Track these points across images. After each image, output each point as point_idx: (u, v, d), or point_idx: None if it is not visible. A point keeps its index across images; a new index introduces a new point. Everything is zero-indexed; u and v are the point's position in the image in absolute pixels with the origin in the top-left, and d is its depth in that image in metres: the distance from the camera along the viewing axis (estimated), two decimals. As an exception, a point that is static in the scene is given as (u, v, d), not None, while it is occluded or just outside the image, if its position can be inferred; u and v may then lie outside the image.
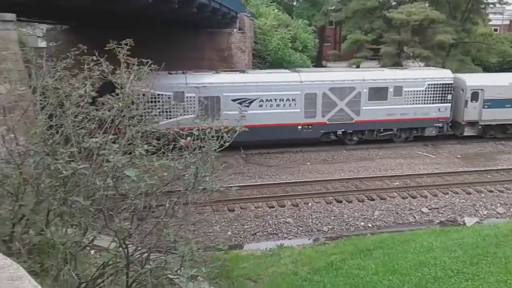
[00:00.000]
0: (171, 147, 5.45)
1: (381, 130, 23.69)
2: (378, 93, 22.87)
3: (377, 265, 10.58)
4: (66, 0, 12.54)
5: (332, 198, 16.96)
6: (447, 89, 23.59)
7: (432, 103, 23.53)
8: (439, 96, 23.56)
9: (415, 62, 44.19)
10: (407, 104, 23.36)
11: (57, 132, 4.84)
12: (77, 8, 14.81)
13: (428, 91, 23.41)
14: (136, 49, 5.89)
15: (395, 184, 18.25)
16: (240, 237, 14.37)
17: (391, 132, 23.81)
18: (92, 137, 4.44)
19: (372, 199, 16.92)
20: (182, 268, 4.34)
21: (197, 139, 5.01)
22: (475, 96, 23.67)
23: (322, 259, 11.75)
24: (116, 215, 4.39)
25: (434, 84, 23.45)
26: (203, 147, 4.91)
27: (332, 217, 15.71)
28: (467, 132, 24.45)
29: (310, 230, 15.00)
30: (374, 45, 44.45)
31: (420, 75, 23.95)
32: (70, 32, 26.34)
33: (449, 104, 23.78)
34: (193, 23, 23.37)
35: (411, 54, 42.84)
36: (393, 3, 45.69)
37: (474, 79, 24.63)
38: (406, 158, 22.10)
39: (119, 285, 5.05)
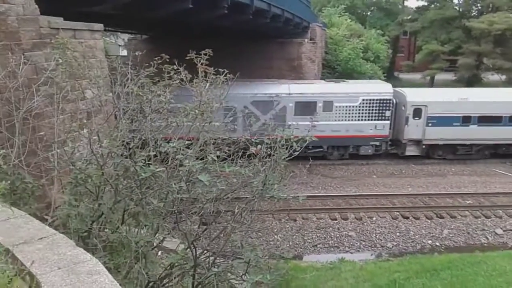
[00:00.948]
0: (240, 154, 5.62)
1: (310, 147, 21.70)
2: (305, 107, 21.15)
3: (444, 287, 10.15)
4: (150, 12, 13.29)
5: (398, 213, 16.45)
6: (385, 105, 21.55)
7: (368, 119, 21.62)
8: (375, 113, 21.59)
9: (495, 74, 41.85)
10: (339, 120, 21.55)
11: (137, 136, 5.17)
12: (159, 19, 15.66)
13: (363, 107, 21.53)
14: (210, 58, 6.15)
15: (468, 202, 17.35)
16: (300, 248, 14.36)
17: (321, 149, 22.13)
18: (168, 142, 4.70)
19: (442, 217, 16.21)
20: (247, 273, 4.46)
21: (267, 148, 5.14)
22: (417, 112, 21.64)
23: (385, 276, 11.45)
24: (187, 217, 4.61)
25: (370, 100, 21.49)
26: (273, 155, 5.03)
27: (398, 233, 15.25)
28: (410, 151, 22.40)
29: (373, 245, 14.67)
30: (451, 56, 42.67)
31: (353, 90, 21.89)
32: (149, 41, 27.79)
33: (387, 121, 21.76)
34: (265, 33, 23.75)
35: (491, 66, 40.68)
36: (474, 13, 43.73)
37: (416, 94, 22.44)
38: (481, 175, 20.93)
39: (184, 286, 5.26)
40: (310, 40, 27.07)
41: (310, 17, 27.63)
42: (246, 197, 5.29)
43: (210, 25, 18.15)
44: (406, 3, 49.68)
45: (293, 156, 5.06)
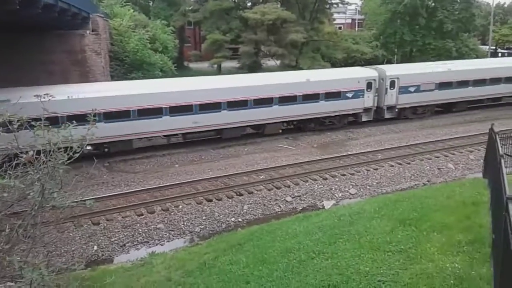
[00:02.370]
0: (14, 164, 4.90)
1: None
2: None
3: (247, 258, 10.93)
4: None
5: (202, 198, 17.07)
6: None
7: None
8: None
9: (271, 60, 46.71)
10: None
11: None
12: None
13: None
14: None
15: (261, 177, 19.07)
16: (108, 251, 13.69)
17: None
18: None
19: (241, 194, 17.45)
20: (32, 296, 3.94)
21: (42, 153, 4.59)
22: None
23: (195, 260, 11.74)
24: None
25: None
26: (49, 161, 4.51)
27: (204, 217, 15.84)
28: None
29: (182, 233, 14.94)
30: (233, 45, 45.75)
31: None
32: None
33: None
34: (40, 24, 21.49)
35: (267, 53, 45.16)
36: (248, 4, 47.60)
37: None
38: (270, 152, 23.21)
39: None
40: (93, 31, 25.62)
41: (90, 7, 26.05)
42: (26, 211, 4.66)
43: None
44: (187, -6, 50.92)
45: (73, 159, 4.64)
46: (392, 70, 29.22)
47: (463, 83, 30.17)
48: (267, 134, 25.27)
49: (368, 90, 27.00)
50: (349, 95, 26.39)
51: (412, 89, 28.45)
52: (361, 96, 26.76)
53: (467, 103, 31.44)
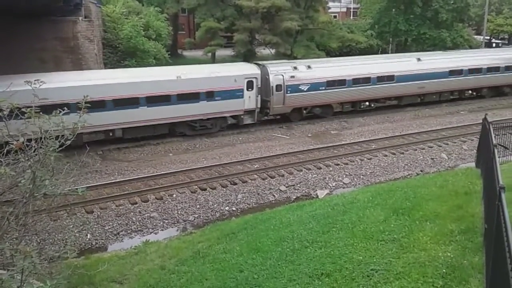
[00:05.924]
0: (5, 151, 4.83)
1: None
2: None
3: (241, 246, 10.94)
4: None
5: (196, 186, 17.06)
6: None
7: None
8: None
9: (266, 48, 46.38)
10: None
11: None
12: None
13: None
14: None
15: (255, 166, 19.07)
16: (102, 239, 13.73)
17: None
18: None
19: (235, 183, 17.45)
20: (24, 284, 3.91)
21: (33, 140, 4.52)
22: None
23: (189, 248, 11.77)
24: None
25: None
26: (41, 147, 4.44)
27: (198, 206, 15.85)
28: None
29: (176, 222, 14.97)
30: (228, 33, 45.30)
31: None
32: None
33: None
34: (31, 11, 21.17)
35: (262, 41, 44.80)
36: (242, -9, 47.02)
37: None
38: (264, 141, 23.18)
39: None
40: (85, 18, 25.27)
41: (82, -7, 25.68)
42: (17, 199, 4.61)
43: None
44: (180, -20, 50.04)
45: (65, 146, 4.57)
46: None
47: None
48: None
49: None
50: None
51: None
52: None
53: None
